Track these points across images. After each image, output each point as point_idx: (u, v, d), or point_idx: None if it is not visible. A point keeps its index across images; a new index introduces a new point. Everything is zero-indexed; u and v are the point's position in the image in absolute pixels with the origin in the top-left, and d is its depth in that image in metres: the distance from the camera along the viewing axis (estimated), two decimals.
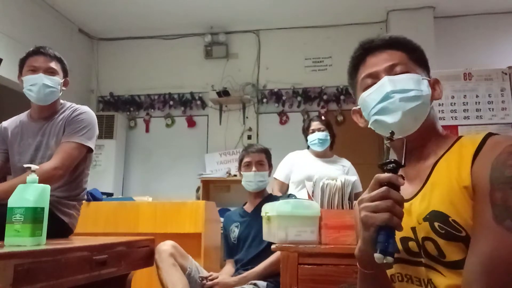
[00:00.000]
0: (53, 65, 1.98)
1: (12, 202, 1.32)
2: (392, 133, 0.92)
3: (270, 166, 2.43)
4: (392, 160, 0.86)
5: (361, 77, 1.03)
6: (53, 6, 4.64)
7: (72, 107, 2.04)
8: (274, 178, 2.98)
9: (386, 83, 0.96)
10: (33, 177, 1.37)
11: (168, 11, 4.74)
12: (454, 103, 3.56)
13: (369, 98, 0.98)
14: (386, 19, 4.73)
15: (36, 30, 4.36)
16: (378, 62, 1.00)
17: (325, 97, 4.83)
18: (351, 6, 4.57)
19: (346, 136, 4.69)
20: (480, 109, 3.91)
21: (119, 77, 5.35)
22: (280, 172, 3.01)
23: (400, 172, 0.91)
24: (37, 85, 1.92)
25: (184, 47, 5.23)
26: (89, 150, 1.99)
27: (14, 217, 1.30)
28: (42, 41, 4.24)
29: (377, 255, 0.81)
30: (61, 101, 2.07)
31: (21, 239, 1.28)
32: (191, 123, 5.14)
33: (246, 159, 2.38)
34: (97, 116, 2.12)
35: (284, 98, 4.93)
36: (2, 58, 3.67)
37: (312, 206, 1.73)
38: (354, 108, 1.09)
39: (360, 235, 0.88)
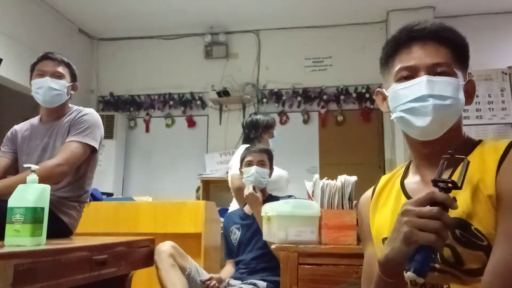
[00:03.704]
0: (60, 69, 2.05)
1: (12, 202, 1.32)
2: (455, 150, 0.85)
3: (271, 167, 2.42)
4: (450, 180, 0.81)
5: (398, 65, 0.97)
6: (53, 6, 4.64)
7: (78, 109, 2.10)
8: (231, 175, 2.72)
9: (423, 84, 0.91)
10: (33, 177, 1.37)
11: (168, 11, 4.74)
12: None
13: (401, 92, 0.94)
14: (386, 19, 4.72)
15: (36, 30, 4.36)
16: (421, 56, 0.94)
17: (325, 97, 4.82)
18: (351, 6, 4.56)
19: (346, 136, 4.70)
20: (480, 109, 3.91)
21: (119, 77, 5.35)
22: (236, 167, 2.62)
23: (418, 176, 0.92)
24: (43, 88, 1.99)
25: (184, 47, 5.23)
26: (93, 150, 2.02)
27: (14, 217, 1.30)
28: (42, 41, 4.26)
29: (409, 274, 0.76)
30: (70, 105, 2.13)
31: (21, 239, 1.28)
32: (191, 123, 5.14)
33: (247, 158, 2.38)
34: None
35: (284, 98, 4.93)
36: (2, 58, 3.66)
37: (312, 206, 1.73)
38: (379, 89, 1.04)
39: (394, 244, 0.82)
